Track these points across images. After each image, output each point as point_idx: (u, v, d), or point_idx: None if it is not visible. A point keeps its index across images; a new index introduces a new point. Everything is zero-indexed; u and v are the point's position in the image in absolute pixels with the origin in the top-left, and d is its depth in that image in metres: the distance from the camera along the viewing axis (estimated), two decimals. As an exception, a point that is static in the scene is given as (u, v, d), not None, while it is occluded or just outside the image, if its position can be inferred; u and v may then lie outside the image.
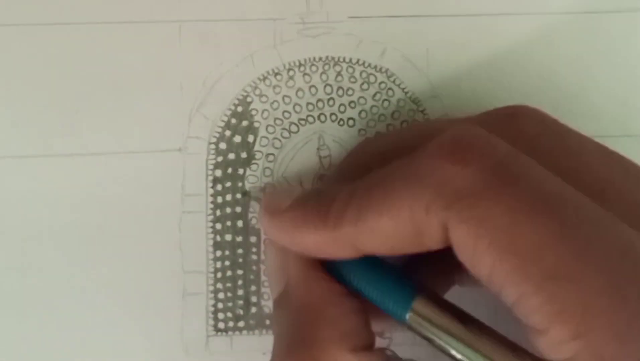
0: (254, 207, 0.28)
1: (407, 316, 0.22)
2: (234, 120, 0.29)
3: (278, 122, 0.29)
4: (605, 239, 0.19)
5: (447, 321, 0.21)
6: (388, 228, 0.20)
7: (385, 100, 0.29)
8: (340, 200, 0.21)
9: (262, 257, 0.28)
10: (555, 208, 0.19)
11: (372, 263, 0.22)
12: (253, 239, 0.28)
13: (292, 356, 0.22)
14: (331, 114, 0.29)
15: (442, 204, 0.19)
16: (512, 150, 0.20)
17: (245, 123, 0.29)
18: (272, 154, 0.29)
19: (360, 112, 0.29)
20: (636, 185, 0.23)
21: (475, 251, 0.19)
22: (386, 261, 0.23)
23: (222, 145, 0.28)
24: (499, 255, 0.19)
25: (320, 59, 0.29)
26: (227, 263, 0.28)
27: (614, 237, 0.19)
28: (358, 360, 0.21)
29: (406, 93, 0.29)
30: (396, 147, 0.24)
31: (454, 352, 0.21)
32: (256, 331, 0.28)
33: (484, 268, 0.19)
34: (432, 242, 0.20)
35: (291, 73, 0.29)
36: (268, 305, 0.28)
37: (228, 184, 0.28)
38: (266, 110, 0.29)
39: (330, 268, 0.23)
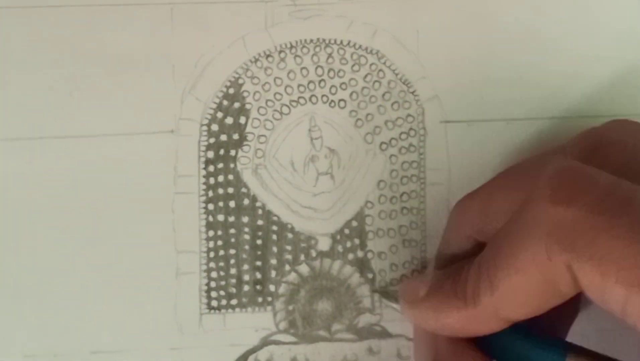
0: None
1: None
2: (225, 102, 0.29)
3: (270, 103, 0.29)
4: None
5: None
6: (521, 287, 0.20)
7: (376, 81, 0.29)
8: (472, 276, 0.22)
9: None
10: None
11: (516, 331, 0.23)
12: (245, 219, 0.29)
13: None
14: (322, 96, 0.29)
15: (559, 248, 0.19)
16: (612, 178, 0.20)
17: (237, 105, 0.29)
18: (264, 135, 0.29)
19: (351, 94, 0.29)
20: None
21: (604, 289, 0.19)
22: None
23: (214, 127, 0.29)
24: (629, 289, 0.18)
25: (311, 40, 0.29)
26: (219, 243, 0.28)
27: None
28: None
29: (397, 74, 0.29)
30: (497, 206, 0.24)
31: None
32: (249, 309, 0.28)
33: (616, 304, 0.19)
34: (567, 288, 0.20)
35: (282, 55, 0.29)
36: (263, 283, 0.29)
37: (220, 165, 0.29)
38: (258, 92, 0.29)
39: (478, 343, 0.23)
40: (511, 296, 0.21)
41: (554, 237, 0.19)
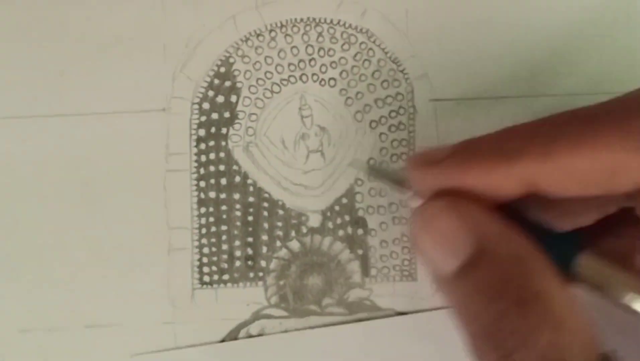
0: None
1: (579, 259, 0.21)
2: (216, 81, 0.29)
3: (260, 82, 0.29)
4: None
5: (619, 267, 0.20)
6: (581, 166, 0.19)
7: (365, 60, 0.30)
8: (521, 136, 0.20)
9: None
10: None
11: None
12: (236, 196, 0.29)
13: (521, 306, 0.19)
14: (313, 74, 0.29)
15: None
16: None
17: (228, 83, 0.29)
18: (255, 114, 0.29)
19: (341, 72, 0.29)
20: None
21: None
22: None
23: (206, 105, 0.29)
24: None
25: (301, 19, 0.29)
26: (211, 219, 0.29)
27: None
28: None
29: (386, 53, 0.30)
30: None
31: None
32: (240, 284, 0.29)
33: None
34: (624, 184, 0.19)
35: (273, 34, 0.29)
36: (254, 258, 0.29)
37: (211, 143, 0.29)
38: (248, 70, 0.29)
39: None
40: (563, 171, 0.19)
41: None
